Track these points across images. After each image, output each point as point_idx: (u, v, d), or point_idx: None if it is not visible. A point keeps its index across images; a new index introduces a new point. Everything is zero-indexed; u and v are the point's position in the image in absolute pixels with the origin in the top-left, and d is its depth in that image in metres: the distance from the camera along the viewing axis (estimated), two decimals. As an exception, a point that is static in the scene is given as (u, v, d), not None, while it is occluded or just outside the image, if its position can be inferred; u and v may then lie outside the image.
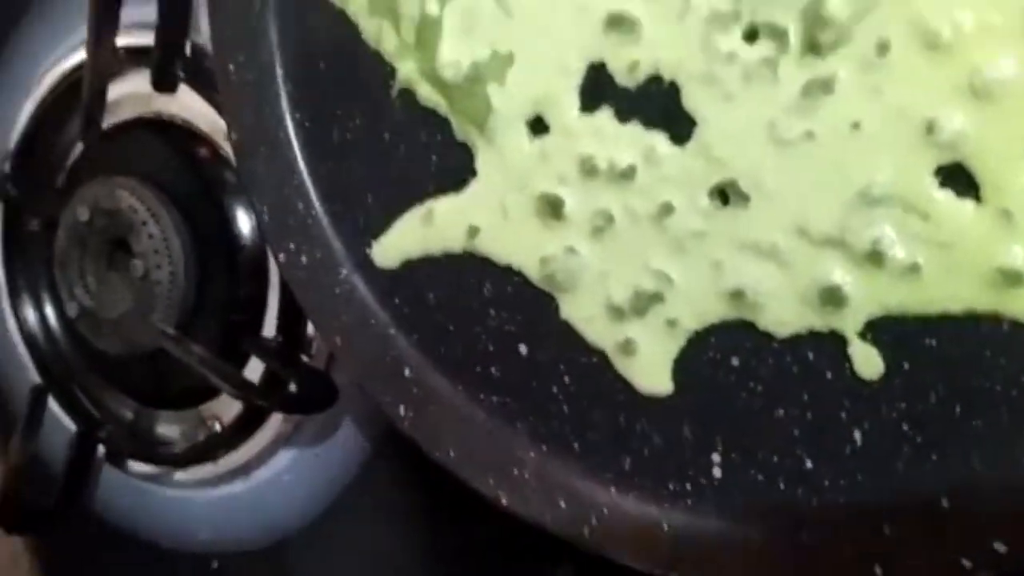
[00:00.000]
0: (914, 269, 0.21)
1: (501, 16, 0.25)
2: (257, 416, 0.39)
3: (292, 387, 0.37)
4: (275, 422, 0.39)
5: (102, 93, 0.38)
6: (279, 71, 0.29)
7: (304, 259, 0.30)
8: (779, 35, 0.22)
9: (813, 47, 0.21)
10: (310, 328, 0.38)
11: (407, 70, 0.27)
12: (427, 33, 0.27)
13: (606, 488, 0.26)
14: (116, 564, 0.46)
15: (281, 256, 0.29)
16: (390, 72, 0.28)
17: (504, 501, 0.26)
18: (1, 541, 0.50)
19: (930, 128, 0.21)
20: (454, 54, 0.26)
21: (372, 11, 0.27)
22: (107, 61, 0.37)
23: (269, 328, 0.39)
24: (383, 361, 0.29)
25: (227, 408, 0.41)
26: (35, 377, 0.44)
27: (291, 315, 0.38)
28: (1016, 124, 0.20)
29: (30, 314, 0.44)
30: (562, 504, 0.26)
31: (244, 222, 0.39)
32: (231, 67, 0.29)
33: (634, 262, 0.25)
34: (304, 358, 0.38)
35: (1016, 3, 0.20)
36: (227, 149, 0.39)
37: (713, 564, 0.24)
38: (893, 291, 0.22)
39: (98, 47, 0.37)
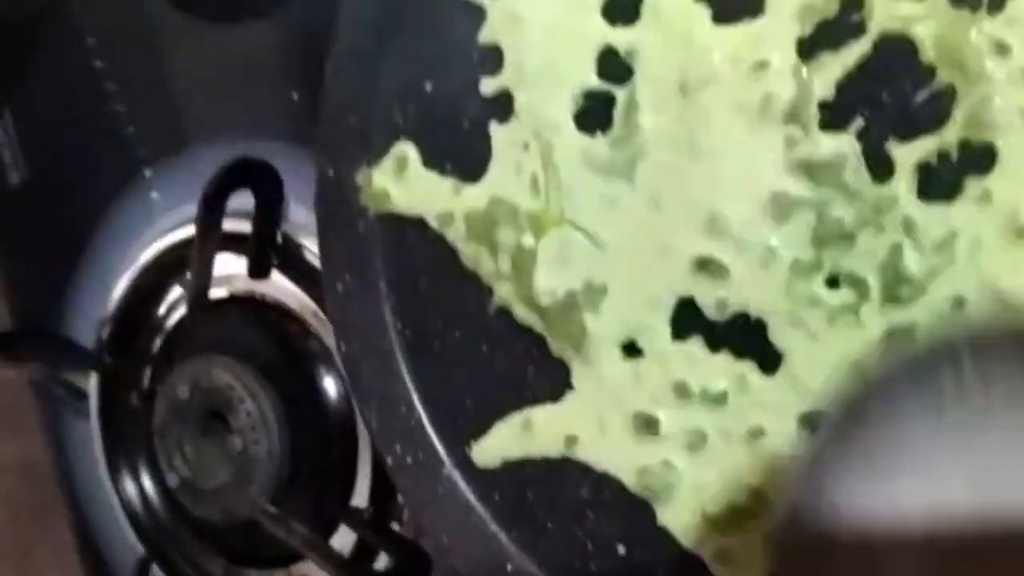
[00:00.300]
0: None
1: (594, 251, 0.28)
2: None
3: (384, 557, 0.38)
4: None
5: (206, 284, 0.41)
6: (383, 287, 0.32)
7: (409, 459, 0.32)
8: (859, 284, 0.24)
9: (892, 297, 0.24)
10: (400, 497, 0.40)
11: (504, 292, 0.30)
12: (523, 262, 0.29)
13: None
14: None
15: (388, 458, 0.32)
16: (488, 291, 0.30)
17: None
18: None
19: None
20: (549, 283, 0.29)
21: (470, 238, 0.30)
22: (213, 246, 0.40)
23: (360, 496, 0.41)
24: (485, 556, 0.31)
25: (318, 570, 0.43)
26: (137, 546, 0.46)
27: (382, 484, 0.40)
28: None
29: (129, 485, 0.47)
30: None
31: (333, 394, 0.42)
32: (339, 286, 0.32)
33: (730, 479, 0.27)
34: (395, 526, 0.40)
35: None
36: (316, 327, 0.42)
37: None
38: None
39: (204, 246, 0.40)
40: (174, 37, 0.45)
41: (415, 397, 0.32)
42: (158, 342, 0.47)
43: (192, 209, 0.41)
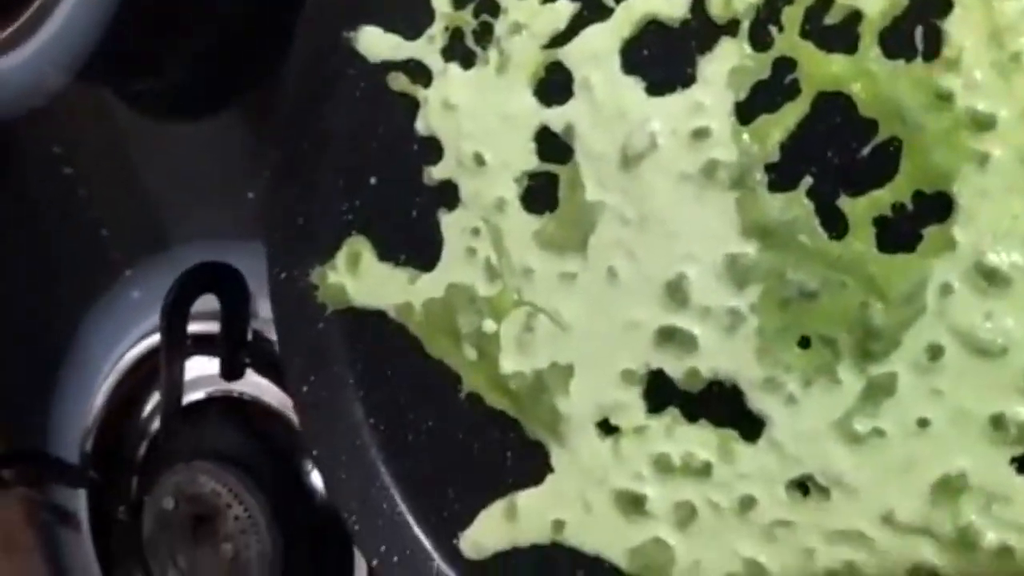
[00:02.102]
0: (1006, 550, 0.22)
1: (556, 331, 0.27)
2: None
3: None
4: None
5: (179, 383, 0.40)
6: (351, 382, 0.31)
7: (396, 558, 0.31)
8: (831, 343, 0.23)
9: (865, 354, 0.23)
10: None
11: (472, 379, 0.29)
12: (486, 348, 0.28)
13: None
14: None
15: (374, 560, 0.31)
16: (457, 378, 0.30)
17: None
18: None
19: (997, 424, 0.22)
20: (515, 366, 0.28)
21: (431, 327, 0.29)
22: (181, 355, 0.40)
23: (359, 592, 0.40)
24: (486, 650, 0.30)
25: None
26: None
27: (379, 577, 0.39)
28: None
29: (125, 595, 0.46)
30: None
31: (322, 489, 0.41)
32: (304, 388, 0.31)
33: (724, 550, 0.25)
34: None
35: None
36: (296, 421, 0.41)
37: None
38: (989, 567, 0.23)
39: (173, 344, 0.39)
40: (139, 139, 0.45)
41: (395, 492, 0.31)
42: (142, 450, 0.46)
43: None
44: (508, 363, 0.28)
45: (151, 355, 0.45)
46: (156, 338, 0.44)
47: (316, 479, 0.41)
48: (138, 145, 0.44)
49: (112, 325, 0.47)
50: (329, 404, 0.31)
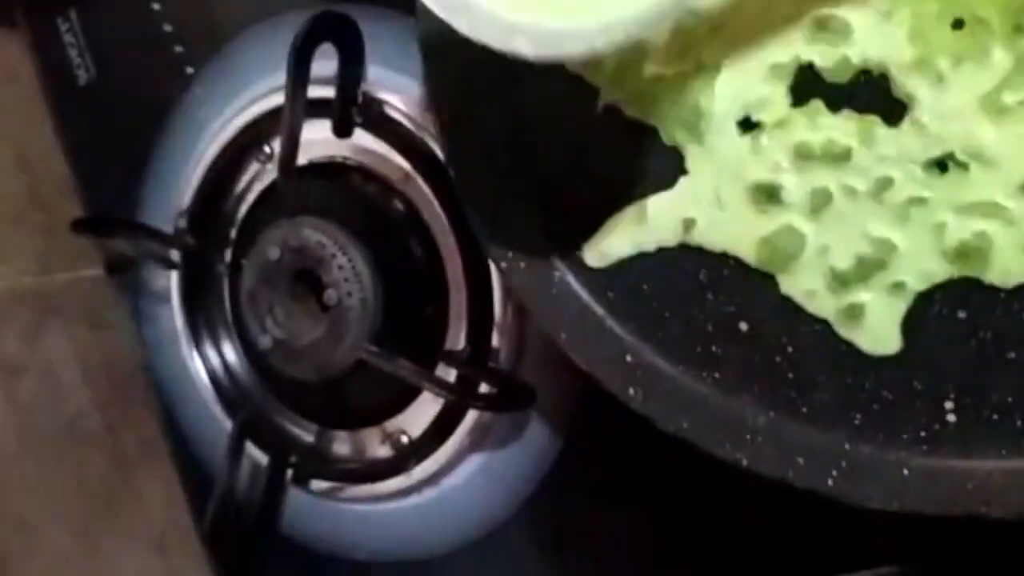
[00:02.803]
0: None
1: (704, 30, 0.28)
2: (446, 426, 0.42)
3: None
4: (463, 431, 0.42)
5: (296, 142, 0.42)
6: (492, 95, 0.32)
7: (522, 264, 0.33)
8: (984, 23, 0.25)
9: (1018, 28, 0.24)
10: (495, 340, 0.41)
11: (613, 90, 0.31)
12: (629, 56, 0.30)
13: (840, 443, 0.28)
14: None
15: (502, 263, 0.33)
16: (594, 92, 0.31)
17: (744, 463, 0.29)
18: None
19: None
20: (659, 69, 0.29)
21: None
22: (303, 100, 0.41)
23: (454, 342, 0.42)
24: (604, 351, 0.32)
25: (413, 422, 0.44)
26: (225, 422, 0.46)
27: (477, 332, 0.41)
28: None
29: (214, 357, 0.47)
30: (800, 461, 0.28)
31: (422, 251, 0.42)
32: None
33: (855, 233, 0.27)
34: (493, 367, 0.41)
35: None
36: (402, 187, 0.42)
37: (953, 499, 0.26)
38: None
39: (295, 101, 0.40)
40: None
41: (525, 202, 0.33)
42: (240, 217, 0.48)
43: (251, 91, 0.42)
44: (651, 67, 0.30)
45: (255, 123, 0.46)
46: (260, 105, 0.46)
47: (416, 244, 0.43)
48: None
49: (220, 89, 0.48)
50: (468, 118, 0.33)
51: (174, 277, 0.49)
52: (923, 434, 0.27)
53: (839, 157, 0.27)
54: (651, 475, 0.39)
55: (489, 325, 0.41)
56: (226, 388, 0.48)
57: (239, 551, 0.47)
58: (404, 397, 0.44)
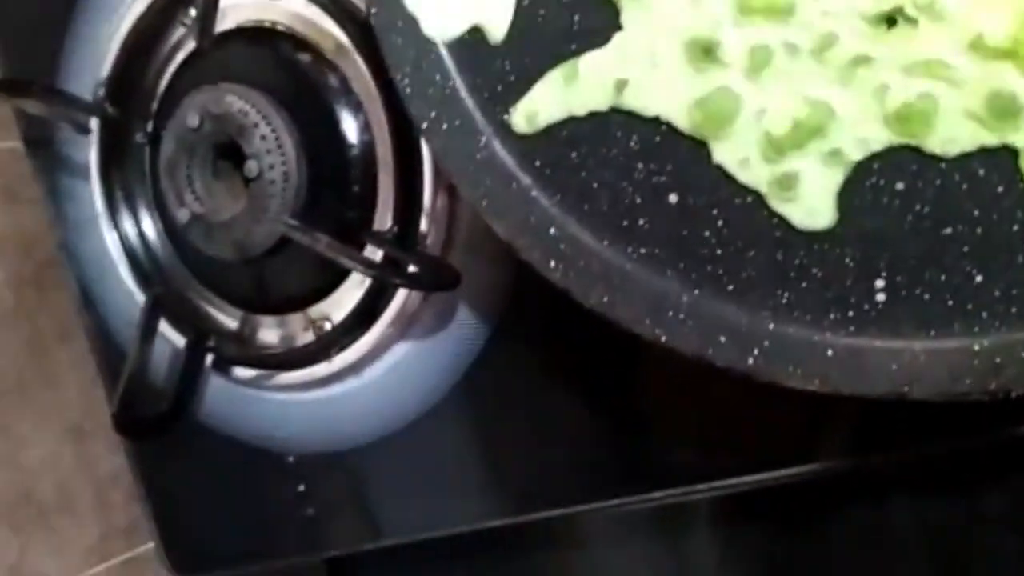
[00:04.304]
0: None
1: None
2: (370, 313, 0.40)
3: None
4: (387, 318, 0.40)
5: (215, 2, 0.39)
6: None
7: (444, 126, 0.30)
8: None
9: None
10: (423, 225, 0.38)
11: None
12: None
13: (765, 322, 0.26)
14: (210, 465, 0.47)
15: (423, 124, 0.30)
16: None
17: (664, 339, 0.27)
18: (102, 460, 0.51)
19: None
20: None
21: None
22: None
23: (382, 223, 0.39)
24: (528, 222, 0.30)
25: (337, 308, 0.42)
26: (142, 296, 0.44)
27: (404, 212, 0.39)
28: None
29: (131, 229, 0.45)
30: (722, 339, 0.27)
31: (352, 126, 0.40)
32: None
33: (793, 95, 0.25)
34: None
35: None
36: (334, 57, 0.40)
37: (876, 380, 0.25)
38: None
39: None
40: None
41: (448, 62, 0.30)
42: (162, 86, 0.45)
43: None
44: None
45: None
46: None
47: (347, 118, 0.40)
48: None
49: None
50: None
51: (93, 149, 0.46)
52: (851, 314, 0.25)
53: (783, 11, 0.25)
54: (578, 365, 0.38)
55: (418, 209, 0.38)
56: (143, 263, 0.46)
57: (153, 437, 0.45)
58: (329, 283, 0.42)
